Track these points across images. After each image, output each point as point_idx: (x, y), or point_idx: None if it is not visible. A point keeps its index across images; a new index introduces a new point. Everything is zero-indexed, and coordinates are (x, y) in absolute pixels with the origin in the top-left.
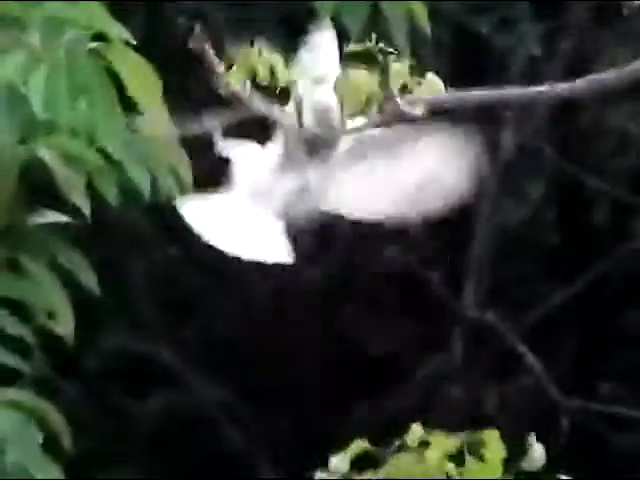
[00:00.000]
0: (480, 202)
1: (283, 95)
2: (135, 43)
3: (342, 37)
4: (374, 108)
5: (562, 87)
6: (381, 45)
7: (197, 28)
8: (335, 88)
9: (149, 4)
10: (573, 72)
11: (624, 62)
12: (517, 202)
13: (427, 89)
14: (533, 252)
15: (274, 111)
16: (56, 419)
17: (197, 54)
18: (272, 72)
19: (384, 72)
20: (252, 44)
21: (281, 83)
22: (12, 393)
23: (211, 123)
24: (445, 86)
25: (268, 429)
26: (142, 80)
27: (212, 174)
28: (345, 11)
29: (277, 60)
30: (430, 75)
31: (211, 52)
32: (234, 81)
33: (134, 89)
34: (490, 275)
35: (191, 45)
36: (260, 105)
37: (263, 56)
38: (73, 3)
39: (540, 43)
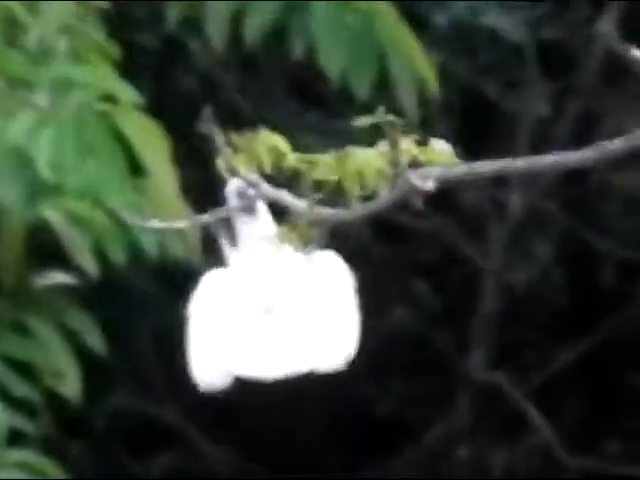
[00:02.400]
0: (488, 263)
1: (291, 179)
2: (143, 104)
3: (351, 101)
4: (383, 186)
5: (570, 157)
6: (389, 117)
7: (206, 111)
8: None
9: (158, 65)
10: (582, 133)
11: (632, 122)
12: (525, 263)
13: (435, 156)
14: (541, 313)
15: (283, 197)
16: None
17: (205, 137)
18: (278, 156)
19: (394, 147)
20: (255, 130)
21: (287, 167)
22: (19, 454)
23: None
24: (454, 149)
25: None
26: (149, 142)
27: None
28: (353, 74)
29: (282, 145)
30: (436, 142)
31: (220, 137)
32: (241, 166)
33: (141, 151)
34: (498, 336)
35: (200, 129)
36: (268, 191)
37: (268, 143)
38: (81, 64)
39: (549, 104)
